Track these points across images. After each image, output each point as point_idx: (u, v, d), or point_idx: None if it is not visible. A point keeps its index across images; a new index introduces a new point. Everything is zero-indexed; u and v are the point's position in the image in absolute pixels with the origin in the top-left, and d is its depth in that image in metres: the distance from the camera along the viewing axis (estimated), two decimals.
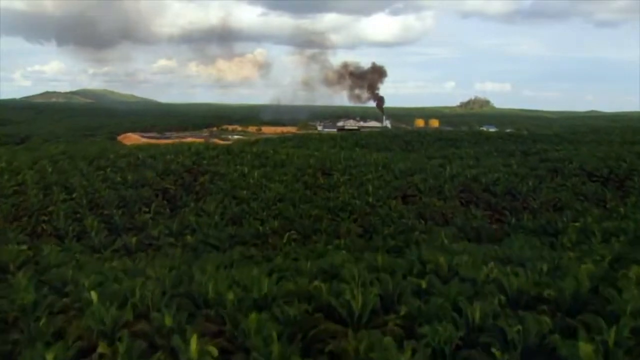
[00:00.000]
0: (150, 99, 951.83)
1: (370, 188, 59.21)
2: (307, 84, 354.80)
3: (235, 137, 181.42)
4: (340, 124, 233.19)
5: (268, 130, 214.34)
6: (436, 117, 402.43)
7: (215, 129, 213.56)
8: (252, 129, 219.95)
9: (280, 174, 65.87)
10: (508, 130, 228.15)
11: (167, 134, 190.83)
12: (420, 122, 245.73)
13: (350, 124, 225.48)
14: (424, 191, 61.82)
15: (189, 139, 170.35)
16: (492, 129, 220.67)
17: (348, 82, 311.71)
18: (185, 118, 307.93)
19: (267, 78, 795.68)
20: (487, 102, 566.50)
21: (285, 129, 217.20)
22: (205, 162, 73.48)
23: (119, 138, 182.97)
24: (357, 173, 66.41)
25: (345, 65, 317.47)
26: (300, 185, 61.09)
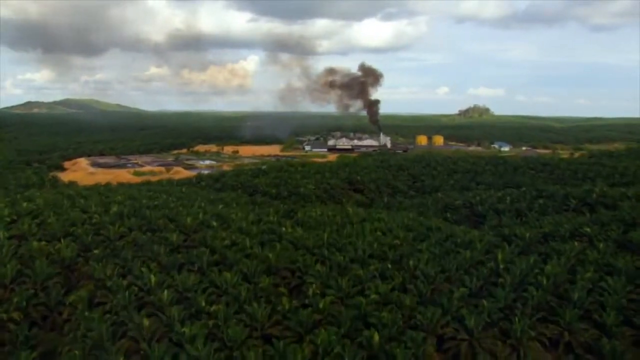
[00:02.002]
0: (137, 107, 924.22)
1: (377, 337, 30.20)
2: (290, 93, 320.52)
3: (206, 162, 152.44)
4: (331, 142, 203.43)
5: (246, 151, 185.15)
6: (434, 126, 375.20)
7: (185, 150, 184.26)
8: (228, 149, 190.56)
9: (213, 285, 36.74)
10: (525, 148, 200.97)
11: (126, 158, 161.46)
12: (422, 139, 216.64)
13: (343, 143, 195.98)
14: (475, 330, 32.94)
15: (147, 168, 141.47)
16: (506, 147, 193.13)
17: (336, 90, 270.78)
18: (161, 132, 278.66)
19: (251, 87, 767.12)
20: (487, 110, 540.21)
21: (266, 150, 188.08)
22: (97, 252, 44.27)
23: (67, 165, 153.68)
24: (350, 284, 37.34)
25: (331, 71, 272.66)
26: (239, 329, 31.92)
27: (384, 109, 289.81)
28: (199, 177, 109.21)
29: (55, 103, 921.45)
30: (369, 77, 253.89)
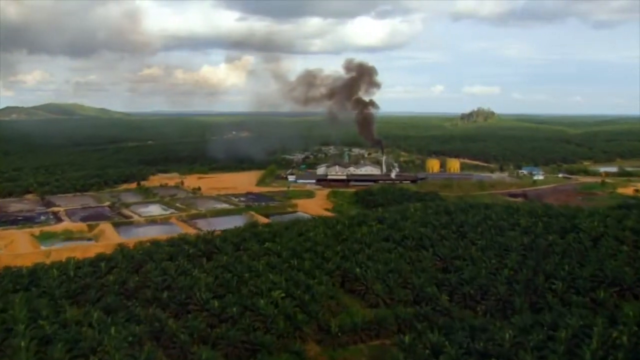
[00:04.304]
0: (122, 111, 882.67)
1: None
2: (263, 101, 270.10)
3: (152, 210, 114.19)
4: (321, 170, 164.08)
5: (213, 184, 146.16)
6: (439, 135, 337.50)
7: (135, 184, 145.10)
8: (192, 180, 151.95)
9: None
10: (561, 175, 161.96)
11: (50, 202, 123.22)
12: (435, 165, 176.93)
13: (336, 172, 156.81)
14: None
15: (62, 225, 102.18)
16: (540, 176, 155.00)
17: (317, 101, 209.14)
18: (123, 152, 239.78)
19: (240, 89, 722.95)
20: (492, 114, 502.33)
21: (239, 181, 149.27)
22: None
23: None
24: None
25: (309, 76, 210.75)
26: None
27: (381, 108, 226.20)
28: (114, 260, 71.21)
29: (35, 108, 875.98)
30: (359, 75, 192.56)
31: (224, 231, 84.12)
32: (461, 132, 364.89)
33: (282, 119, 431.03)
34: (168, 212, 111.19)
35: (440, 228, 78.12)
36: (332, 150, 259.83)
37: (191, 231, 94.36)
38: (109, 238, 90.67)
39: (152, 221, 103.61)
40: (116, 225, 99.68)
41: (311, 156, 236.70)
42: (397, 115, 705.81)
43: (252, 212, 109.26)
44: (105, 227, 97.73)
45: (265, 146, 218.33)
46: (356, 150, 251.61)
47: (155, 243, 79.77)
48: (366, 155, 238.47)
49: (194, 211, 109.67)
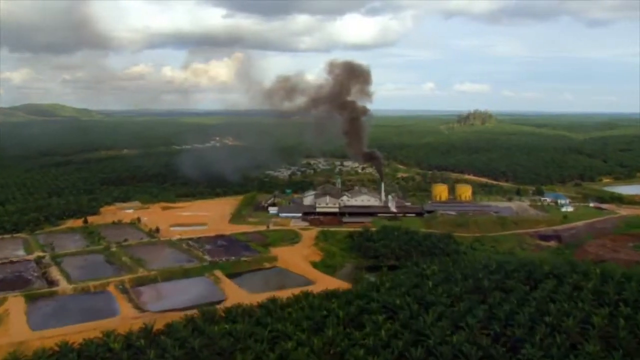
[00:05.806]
0: (105, 110, 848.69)
1: None
2: (244, 106, 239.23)
3: (89, 268, 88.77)
4: (308, 200, 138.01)
5: (178, 218, 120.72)
6: (437, 144, 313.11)
7: (81, 222, 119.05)
8: (155, 211, 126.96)
9: None
10: (592, 205, 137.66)
11: None
12: (442, 192, 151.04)
13: (326, 204, 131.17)
14: None
15: None
16: (568, 207, 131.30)
17: (300, 108, 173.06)
18: (84, 169, 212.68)
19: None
20: (490, 116, 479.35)
21: (211, 214, 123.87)
22: None
23: None
24: None
25: (286, 81, 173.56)
26: None
27: (372, 106, 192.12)
28: None
29: (13, 109, 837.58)
30: (348, 79, 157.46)
31: (168, 326, 59.13)
32: (460, 139, 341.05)
33: (269, 120, 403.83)
34: (110, 270, 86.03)
35: (478, 330, 53.65)
36: (321, 164, 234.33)
37: (129, 312, 69.58)
38: (10, 329, 65.42)
39: (82, 290, 78.26)
40: (32, 299, 74.35)
41: (298, 172, 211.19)
42: (388, 115, 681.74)
43: (218, 273, 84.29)
44: (14, 303, 72.36)
45: (247, 160, 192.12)
46: (348, 164, 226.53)
47: (64, 349, 55.01)
48: (360, 171, 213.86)
49: (141, 272, 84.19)
